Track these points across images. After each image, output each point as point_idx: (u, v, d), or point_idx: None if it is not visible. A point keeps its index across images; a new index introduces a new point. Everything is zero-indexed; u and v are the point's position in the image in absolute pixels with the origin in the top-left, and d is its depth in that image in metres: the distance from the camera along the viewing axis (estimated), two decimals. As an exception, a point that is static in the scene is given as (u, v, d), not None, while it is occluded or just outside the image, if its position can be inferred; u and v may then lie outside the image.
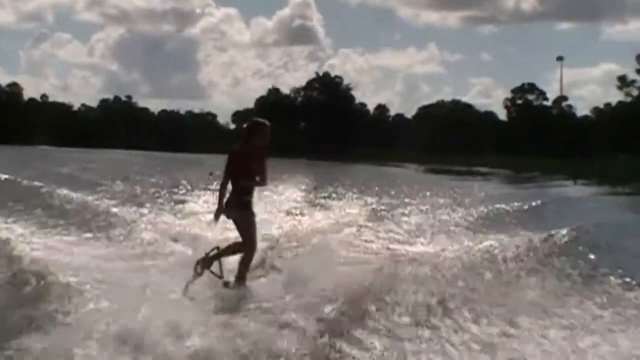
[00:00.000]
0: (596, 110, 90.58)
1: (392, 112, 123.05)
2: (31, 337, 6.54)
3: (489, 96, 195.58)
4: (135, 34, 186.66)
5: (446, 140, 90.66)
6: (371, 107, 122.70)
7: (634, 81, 71.57)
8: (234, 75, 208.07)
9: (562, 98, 79.26)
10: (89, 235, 12.72)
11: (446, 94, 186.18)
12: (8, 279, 8.40)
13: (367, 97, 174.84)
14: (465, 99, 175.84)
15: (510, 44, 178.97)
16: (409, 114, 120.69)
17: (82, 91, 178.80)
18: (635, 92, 71.96)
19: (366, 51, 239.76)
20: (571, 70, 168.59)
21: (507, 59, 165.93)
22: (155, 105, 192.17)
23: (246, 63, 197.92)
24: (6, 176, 20.61)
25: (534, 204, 19.31)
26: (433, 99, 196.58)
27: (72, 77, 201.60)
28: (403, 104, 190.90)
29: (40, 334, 6.62)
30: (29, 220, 13.20)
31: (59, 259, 9.67)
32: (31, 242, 10.79)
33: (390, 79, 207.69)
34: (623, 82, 72.07)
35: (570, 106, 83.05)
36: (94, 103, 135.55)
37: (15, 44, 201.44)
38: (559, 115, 75.62)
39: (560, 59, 74.51)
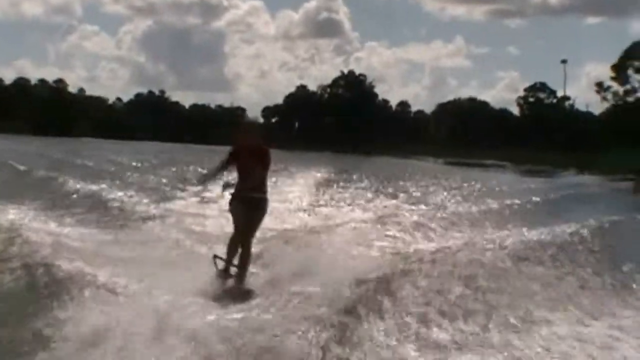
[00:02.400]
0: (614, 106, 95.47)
1: (418, 106, 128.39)
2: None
3: (516, 90, 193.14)
4: (162, 26, 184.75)
5: (462, 135, 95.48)
6: (395, 102, 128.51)
7: (610, 87, 77.01)
8: (260, 68, 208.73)
9: (565, 98, 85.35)
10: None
11: (473, 88, 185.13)
12: (22, 268, 8.72)
13: (394, 90, 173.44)
14: (492, 92, 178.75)
15: (537, 38, 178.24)
16: (431, 109, 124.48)
17: (110, 83, 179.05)
18: (609, 96, 77.42)
19: (393, 44, 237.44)
20: (599, 65, 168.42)
21: (534, 53, 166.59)
22: (181, 98, 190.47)
23: (273, 56, 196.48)
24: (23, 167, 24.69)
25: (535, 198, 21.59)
26: (460, 93, 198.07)
27: (100, 69, 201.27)
28: (430, 98, 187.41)
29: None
30: (45, 209, 14.41)
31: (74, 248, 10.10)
32: (47, 230, 11.47)
33: (416, 72, 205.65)
34: (600, 87, 77.54)
35: (572, 105, 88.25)
36: (123, 95, 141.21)
37: (44, 36, 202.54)
38: (560, 114, 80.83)
39: (564, 61, 79.43)
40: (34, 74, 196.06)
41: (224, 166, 9.87)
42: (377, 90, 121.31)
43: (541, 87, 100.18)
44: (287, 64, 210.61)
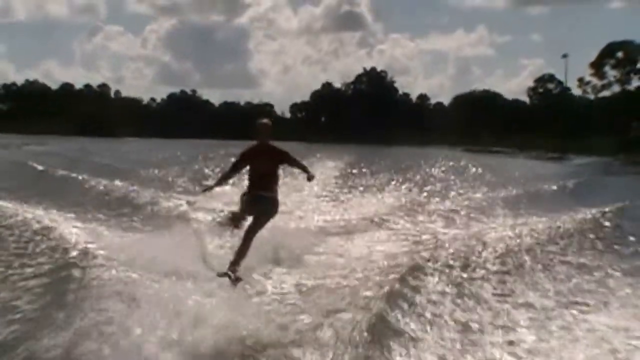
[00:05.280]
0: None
1: (442, 96, 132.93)
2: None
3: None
4: (186, 24, 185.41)
5: (476, 124, 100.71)
6: (416, 94, 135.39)
7: (589, 82, 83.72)
8: (284, 63, 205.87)
9: (567, 89, 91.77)
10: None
11: (497, 76, 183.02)
12: (53, 267, 8.55)
13: (417, 81, 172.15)
14: (516, 80, 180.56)
15: (560, 24, 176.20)
16: (447, 101, 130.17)
17: (136, 83, 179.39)
18: (589, 90, 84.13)
19: (415, 36, 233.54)
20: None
21: (558, 39, 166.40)
22: (207, 95, 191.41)
23: (296, 51, 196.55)
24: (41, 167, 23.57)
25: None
26: (483, 81, 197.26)
27: (125, 69, 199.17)
28: (453, 87, 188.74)
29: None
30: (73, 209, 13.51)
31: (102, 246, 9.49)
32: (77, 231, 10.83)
33: (440, 62, 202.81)
34: (581, 82, 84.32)
35: (573, 95, 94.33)
36: (152, 95, 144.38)
37: (70, 37, 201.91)
38: (564, 103, 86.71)
39: (565, 56, 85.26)
40: (60, 75, 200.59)
41: (234, 169, 9.74)
42: (400, 82, 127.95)
43: (549, 78, 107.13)
44: (310, 58, 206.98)
